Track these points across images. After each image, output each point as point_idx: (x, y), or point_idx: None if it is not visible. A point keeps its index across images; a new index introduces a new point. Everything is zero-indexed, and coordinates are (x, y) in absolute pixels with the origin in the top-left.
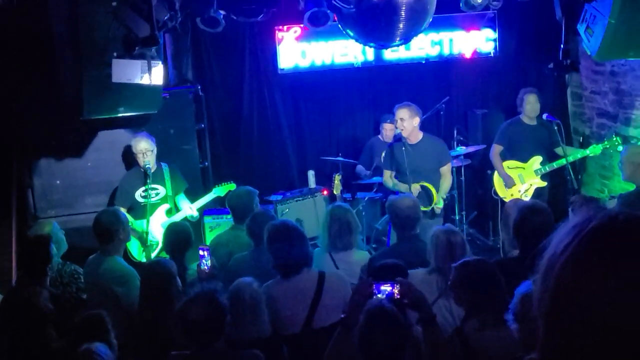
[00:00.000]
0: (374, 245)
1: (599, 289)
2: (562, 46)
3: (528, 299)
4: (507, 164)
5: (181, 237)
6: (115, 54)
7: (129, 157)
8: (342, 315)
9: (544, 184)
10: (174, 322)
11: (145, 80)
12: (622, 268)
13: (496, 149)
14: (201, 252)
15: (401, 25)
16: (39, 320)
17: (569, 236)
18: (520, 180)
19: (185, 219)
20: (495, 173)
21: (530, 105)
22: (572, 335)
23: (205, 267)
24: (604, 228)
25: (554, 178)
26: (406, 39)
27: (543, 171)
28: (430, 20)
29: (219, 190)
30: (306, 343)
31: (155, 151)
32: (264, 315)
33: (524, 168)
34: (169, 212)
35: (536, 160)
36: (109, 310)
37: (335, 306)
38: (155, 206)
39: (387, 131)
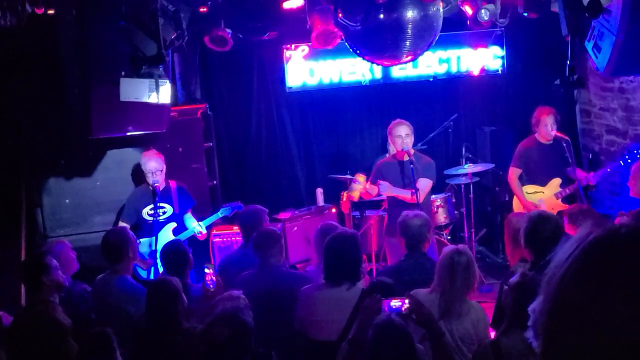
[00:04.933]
0: (382, 264)
1: (596, 302)
2: (568, 62)
3: None
4: (525, 189)
5: (176, 256)
6: (123, 73)
7: (138, 175)
8: (350, 336)
9: (566, 206)
10: (196, 344)
11: (152, 98)
12: (620, 281)
13: (514, 172)
14: (206, 270)
15: (408, 43)
16: (58, 332)
17: (571, 248)
18: (542, 206)
19: (193, 237)
20: (515, 198)
21: (548, 127)
22: (568, 347)
23: (211, 285)
24: (604, 240)
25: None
26: (413, 57)
27: (563, 194)
28: (437, 37)
29: (226, 210)
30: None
31: (164, 170)
32: None
33: (543, 192)
34: (176, 231)
35: (555, 183)
36: (118, 329)
37: None
38: (162, 225)
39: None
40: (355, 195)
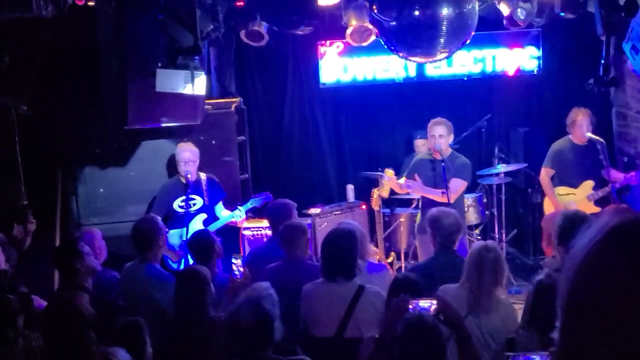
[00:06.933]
0: (412, 261)
1: (610, 286)
2: (602, 62)
3: None
4: (557, 190)
5: (202, 244)
6: (159, 64)
7: (172, 167)
8: (376, 336)
9: (598, 209)
10: (222, 331)
11: (188, 90)
12: (635, 267)
13: (547, 172)
14: (234, 261)
15: (442, 40)
16: (79, 323)
17: (592, 234)
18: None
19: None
20: (546, 199)
21: (584, 128)
22: (583, 330)
23: (238, 276)
24: (623, 226)
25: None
26: (447, 54)
27: (596, 196)
28: (472, 35)
29: (256, 201)
30: (338, 349)
31: (197, 162)
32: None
33: (575, 194)
34: (206, 222)
35: (587, 185)
36: (146, 317)
37: (368, 321)
38: (192, 216)
39: (419, 147)
40: (385, 191)
